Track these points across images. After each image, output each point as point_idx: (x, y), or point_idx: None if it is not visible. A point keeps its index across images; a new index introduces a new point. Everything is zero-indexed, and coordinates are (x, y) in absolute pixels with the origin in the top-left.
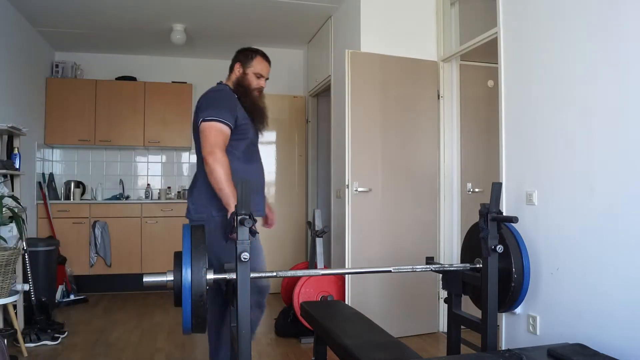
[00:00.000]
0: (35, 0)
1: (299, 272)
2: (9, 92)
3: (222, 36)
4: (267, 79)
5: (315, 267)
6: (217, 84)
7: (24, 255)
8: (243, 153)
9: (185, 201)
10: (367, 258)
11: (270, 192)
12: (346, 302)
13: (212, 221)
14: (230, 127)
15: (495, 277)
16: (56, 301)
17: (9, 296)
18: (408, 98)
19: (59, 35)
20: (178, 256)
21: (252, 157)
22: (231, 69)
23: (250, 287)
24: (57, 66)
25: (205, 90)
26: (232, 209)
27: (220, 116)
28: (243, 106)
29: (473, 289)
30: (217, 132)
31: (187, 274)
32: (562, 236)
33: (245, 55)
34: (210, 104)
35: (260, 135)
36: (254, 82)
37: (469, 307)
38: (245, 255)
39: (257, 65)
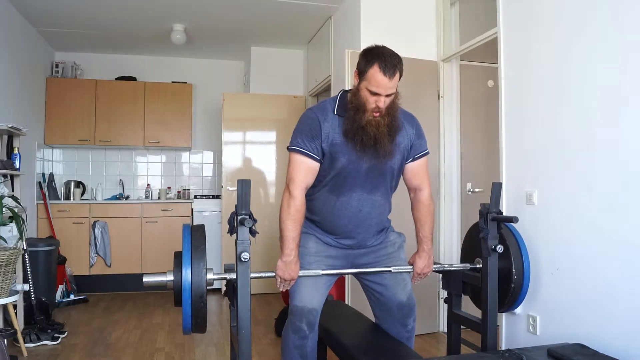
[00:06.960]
0: (36, 0)
1: (299, 272)
2: (9, 92)
3: (222, 36)
4: (391, 95)
5: None
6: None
7: (24, 255)
8: (331, 181)
9: (185, 201)
10: None
11: (270, 192)
12: (346, 302)
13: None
14: (312, 157)
15: (495, 277)
16: (56, 301)
17: (9, 296)
18: (408, 98)
19: (59, 35)
20: (178, 256)
21: (342, 186)
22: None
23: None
24: (57, 66)
25: (205, 90)
26: (282, 253)
27: (299, 145)
28: (344, 127)
29: (473, 289)
30: (294, 163)
31: (187, 274)
32: (562, 236)
33: (363, 60)
34: (295, 129)
35: (364, 162)
36: (370, 101)
37: (469, 307)
38: (245, 255)
39: (371, 78)
